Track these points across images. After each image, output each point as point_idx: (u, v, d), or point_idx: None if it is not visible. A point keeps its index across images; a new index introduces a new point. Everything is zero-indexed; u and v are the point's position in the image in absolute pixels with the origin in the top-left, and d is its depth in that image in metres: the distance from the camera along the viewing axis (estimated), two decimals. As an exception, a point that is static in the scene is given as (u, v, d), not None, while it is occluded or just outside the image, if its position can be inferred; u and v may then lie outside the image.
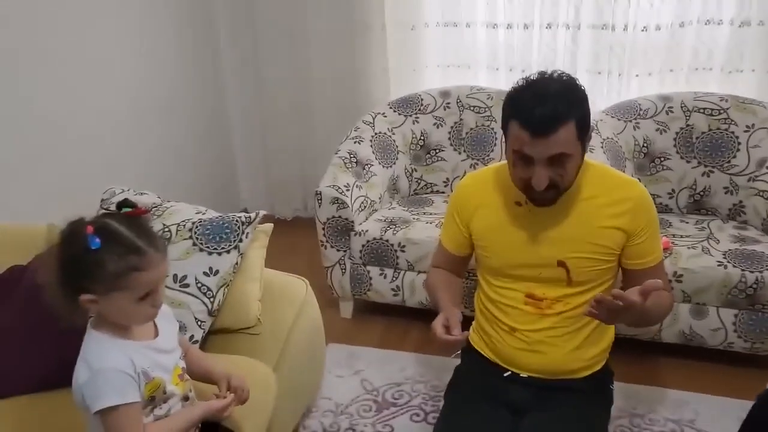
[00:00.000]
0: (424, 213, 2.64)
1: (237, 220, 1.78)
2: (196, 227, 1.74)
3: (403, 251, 2.46)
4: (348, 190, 2.52)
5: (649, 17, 2.66)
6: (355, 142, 2.72)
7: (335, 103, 3.22)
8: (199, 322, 1.65)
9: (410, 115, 2.88)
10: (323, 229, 2.55)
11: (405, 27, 3.01)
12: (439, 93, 2.92)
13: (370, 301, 2.64)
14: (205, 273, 1.69)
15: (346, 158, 2.64)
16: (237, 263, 1.75)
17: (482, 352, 1.79)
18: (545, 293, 1.67)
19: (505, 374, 1.73)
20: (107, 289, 1.10)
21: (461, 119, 2.85)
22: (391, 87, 3.14)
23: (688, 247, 2.26)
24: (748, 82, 2.68)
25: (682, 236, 2.36)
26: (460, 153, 2.86)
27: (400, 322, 2.65)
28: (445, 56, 3.03)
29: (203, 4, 3.26)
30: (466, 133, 2.84)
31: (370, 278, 2.56)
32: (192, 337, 1.63)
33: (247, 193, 3.76)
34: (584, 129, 1.48)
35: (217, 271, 1.70)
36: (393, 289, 2.54)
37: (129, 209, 1.17)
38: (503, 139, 1.57)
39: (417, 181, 2.91)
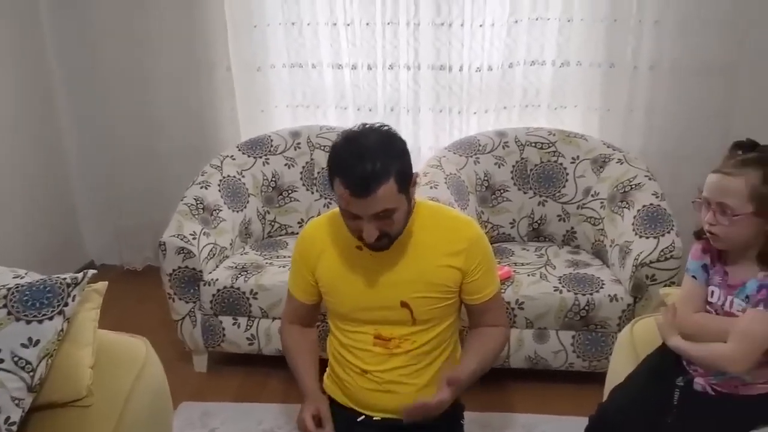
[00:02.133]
0: (278, 256, 2.60)
1: (61, 283, 1.63)
2: (12, 294, 1.57)
3: (255, 298, 2.39)
4: (194, 238, 2.42)
5: (481, 59, 2.83)
6: (201, 188, 2.63)
7: (184, 145, 3.11)
8: (16, 401, 1.49)
9: (260, 157, 2.84)
10: (170, 281, 2.42)
11: (251, 68, 2.98)
12: (289, 133, 2.90)
13: (225, 353, 2.54)
14: (23, 345, 1.52)
15: (192, 205, 2.54)
16: (62, 330, 1.60)
17: (335, 398, 1.78)
18: (392, 333, 1.69)
19: (359, 418, 1.72)
20: None
21: (312, 159, 2.85)
22: (241, 128, 3.08)
23: (528, 275, 2.40)
24: (572, 117, 2.91)
25: (523, 264, 2.50)
26: (313, 193, 2.86)
27: (258, 372, 2.57)
28: (294, 97, 3.03)
29: (36, 46, 3.05)
30: (318, 173, 2.84)
31: (223, 329, 2.46)
32: (8, 419, 1.46)
33: (93, 245, 3.51)
34: (405, 181, 1.52)
35: (37, 341, 1.54)
36: (248, 338, 2.46)
37: None
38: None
39: (270, 224, 2.86)
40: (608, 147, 2.69)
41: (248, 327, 2.45)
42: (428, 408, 1.54)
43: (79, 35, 3.06)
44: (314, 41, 2.91)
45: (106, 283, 1.82)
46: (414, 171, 1.57)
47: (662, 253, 2.18)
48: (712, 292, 1.55)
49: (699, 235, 1.57)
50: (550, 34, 2.79)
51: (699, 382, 1.55)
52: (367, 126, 1.52)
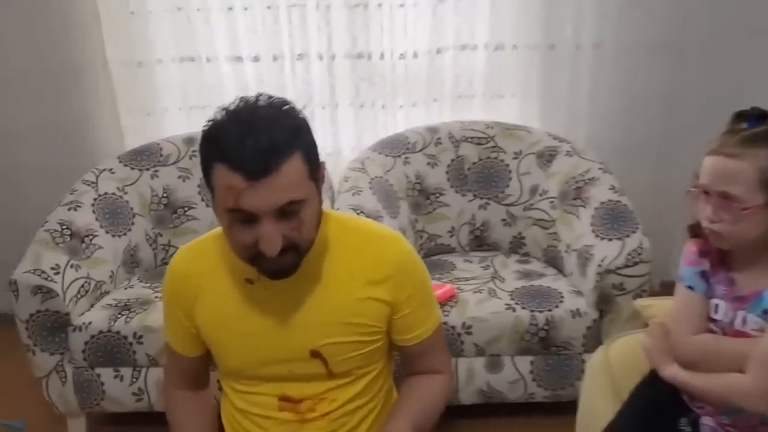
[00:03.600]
0: (171, 288, 2.11)
1: None
2: None
3: (140, 343, 1.91)
4: (57, 273, 1.91)
5: (404, 44, 2.45)
6: (69, 209, 2.12)
7: (49, 165, 2.55)
8: None
9: (147, 169, 2.35)
10: (27, 329, 1.90)
11: (131, 64, 2.48)
12: (183, 140, 2.43)
13: (108, 413, 2.03)
14: None
15: (55, 231, 2.03)
16: None
17: (237, 479, 1.32)
18: (303, 393, 1.25)
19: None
20: None
21: (212, 169, 2.38)
22: (125, 139, 2.58)
23: (474, 291, 2.01)
24: (510, 107, 2.57)
25: (467, 278, 2.12)
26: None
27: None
28: (186, 97, 2.56)
29: None
30: (220, 185, 2.38)
31: (102, 383, 1.96)
32: None
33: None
34: (314, 163, 1.10)
35: None
36: (135, 393, 1.96)
37: None
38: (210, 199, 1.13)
39: (164, 249, 2.37)
40: (554, 138, 2.36)
41: (134, 380, 1.95)
42: None
43: None
44: (207, 29, 2.45)
45: None
46: (321, 161, 1.15)
47: (629, 257, 1.84)
48: (716, 306, 1.20)
49: (695, 231, 1.22)
50: (480, 13, 2.44)
51: (708, 423, 1.20)
52: (251, 100, 1.08)
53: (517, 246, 2.36)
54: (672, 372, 1.22)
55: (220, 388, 1.36)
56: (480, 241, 2.40)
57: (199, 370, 1.38)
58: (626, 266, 1.83)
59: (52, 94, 2.50)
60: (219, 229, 1.28)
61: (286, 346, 1.23)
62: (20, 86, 2.49)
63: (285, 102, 1.10)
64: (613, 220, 1.97)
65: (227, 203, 1.05)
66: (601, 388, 1.53)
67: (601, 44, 2.46)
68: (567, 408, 2.02)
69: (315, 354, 1.23)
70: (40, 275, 1.87)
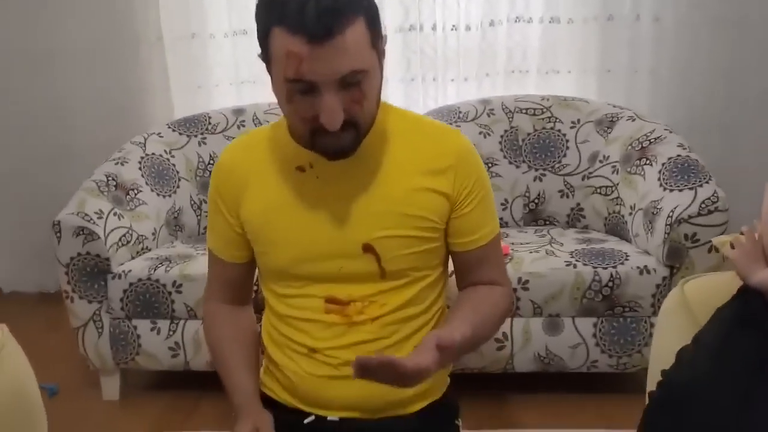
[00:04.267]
0: (214, 248, 2.05)
1: None
2: None
3: (179, 292, 1.83)
4: (100, 218, 1.87)
5: (457, 16, 2.41)
6: (116, 164, 2.10)
7: (103, 133, 2.56)
8: None
9: (195, 136, 2.33)
10: (67, 273, 1.86)
11: (185, 37, 2.50)
12: (232, 111, 2.41)
13: (142, 371, 1.95)
14: None
15: (101, 181, 2.00)
16: None
17: (274, 396, 1.21)
18: (351, 294, 1.15)
19: (307, 420, 1.16)
20: None
21: (259, 140, 2.35)
22: (175, 111, 2.58)
23: (530, 252, 1.88)
24: (566, 83, 2.48)
25: (522, 243, 1.99)
26: (260, 180, 2.34)
27: (185, 395, 1.97)
28: (238, 71, 2.56)
29: None
30: (266, 156, 2.34)
31: (138, 336, 1.88)
32: None
33: (1, 266, 2.90)
34: (377, 31, 1.02)
35: None
36: (171, 348, 1.87)
37: None
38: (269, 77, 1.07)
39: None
40: (614, 107, 2.25)
41: (170, 332, 1.87)
42: (398, 372, 0.95)
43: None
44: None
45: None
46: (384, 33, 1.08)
47: (703, 206, 1.69)
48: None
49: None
50: (536, -16, 2.40)
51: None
52: None
53: (575, 219, 2.22)
54: (763, 277, 1.07)
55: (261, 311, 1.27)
56: (535, 216, 2.27)
57: (242, 280, 1.29)
58: (699, 215, 1.68)
59: (108, 66, 2.54)
60: (272, 123, 1.22)
61: (337, 239, 1.13)
62: (78, 57, 2.54)
63: None
64: (683, 173, 1.83)
65: (287, 73, 0.97)
66: (676, 325, 1.36)
67: (661, 17, 2.37)
68: (627, 384, 1.86)
69: (367, 248, 1.12)
70: (83, 217, 1.84)
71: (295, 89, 1.00)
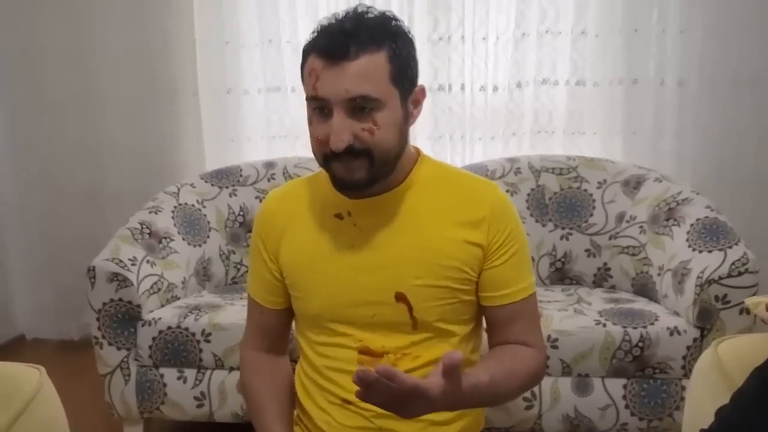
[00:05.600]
0: (241, 298, 2.07)
1: None
2: None
3: (208, 341, 1.84)
4: (134, 264, 1.91)
5: (485, 77, 2.49)
6: (150, 212, 2.15)
7: (134, 182, 2.64)
8: None
9: (226, 187, 2.38)
10: (98, 319, 1.88)
11: (220, 92, 2.60)
12: (263, 164, 2.47)
13: (166, 420, 1.94)
14: None
15: (135, 229, 2.05)
16: None
17: (305, 450, 1.21)
18: (385, 345, 1.17)
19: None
20: None
21: (289, 193, 2.40)
22: (207, 163, 2.65)
23: (559, 310, 1.88)
24: (592, 144, 2.52)
25: (549, 301, 1.99)
26: (288, 232, 2.38)
27: (208, 446, 1.96)
28: (270, 126, 2.64)
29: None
30: (295, 209, 2.38)
31: (164, 385, 1.88)
32: None
33: (24, 312, 2.93)
34: (401, 72, 1.09)
35: None
36: (196, 398, 1.87)
37: None
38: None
39: (236, 267, 2.35)
40: (640, 168, 2.27)
41: (197, 382, 1.87)
42: (398, 390, 0.90)
43: (18, 59, 2.67)
44: (295, 61, 2.54)
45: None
46: (420, 84, 1.14)
47: (733, 267, 1.69)
48: None
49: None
50: (562, 49, 2.47)
51: None
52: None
53: (602, 279, 2.22)
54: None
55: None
56: (562, 274, 2.27)
57: (279, 329, 1.31)
58: (730, 276, 1.68)
59: (144, 116, 2.63)
60: (314, 173, 1.27)
61: (371, 286, 1.16)
62: (116, 106, 2.63)
63: (395, 18, 1.11)
64: (712, 234, 1.84)
65: (307, 91, 1.07)
66: (712, 385, 1.33)
67: (685, 81, 2.42)
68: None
69: (400, 297, 1.15)
70: (117, 263, 1.87)
71: (313, 109, 1.07)
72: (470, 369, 1.09)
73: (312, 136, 1.09)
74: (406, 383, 0.90)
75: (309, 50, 1.07)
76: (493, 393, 1.09)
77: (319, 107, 1.05)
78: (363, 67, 1.02)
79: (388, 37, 1.07)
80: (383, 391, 0.90)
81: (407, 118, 1.13)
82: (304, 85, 1.10)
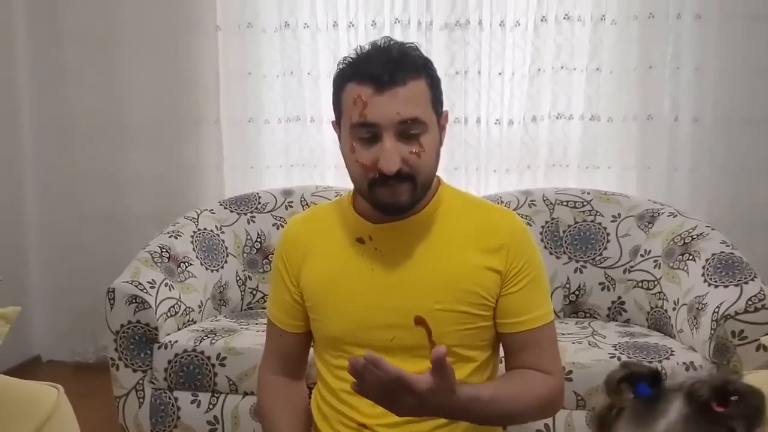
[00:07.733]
0: (257, 323, 2.08)
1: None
2: None
3: (222, 365, 1.86)
4: (152, 287, 1.94)
5: (500, 111, 2.53)
6: (170, 237, 2.19)
7: (154, 209, 2.68)
8: None
9: (244, 214, 2.42)
10: (116, 340, 1.90)
11: (241, 121, 2.66)
12: (281, 192, 2.52)
13: (178, 445, 1.94)
14: None
15: (155, 252, 2.08)
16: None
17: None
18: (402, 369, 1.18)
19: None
20: None
21: (305, 221, 2.43)
22: (226, 189, 2.70)
23: (573, 342, 1.88)
24: (606, 178, 2.54)
25: (563, 333, 1.99)
26: (304, 260, 2.40)
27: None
28: (289, 155, 2.69)
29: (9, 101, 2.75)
30: (311, 236, 2.41)
31: (178, 408, 1.89)
32: None
33: (41, 334, 2.95)
34: (437, 97, 1.15)
35: None
36: (209, 422, 1.88)
37: None
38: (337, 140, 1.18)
39: (251, 293, 2.37)
40: (655, 203, 2.29)
41: (211, 406, 1.88)
42: (382, 377, 0.98)
43: (47, 86, 2.75)
44: (314, 91, 2.62)
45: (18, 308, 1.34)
46: (444, 109, 1.19)
47: (750, 303, 1.69)
48: None
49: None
50: (577, 84, 2.51)
51: None
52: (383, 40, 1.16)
53: (616, 312, 2.21)
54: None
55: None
56: (575, 307, 2.28)
57: (297, 353, 1.33)
58: (746, 311, 1.68)
59: (167, 144, 2.69)
60: (334, 199, 1.31)
61: (391, 309, 1.18)
62: (140, 134, 2.69)
63: (416, 46, 1.16)
64: (728, 269, 1.84)
65: (353, 117, 1.10)
66: (731, 422, 1.35)
67: (700, 118, 2.45)
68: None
69: (419, 321, 1.17)
70: (136, 286, 1.90)
71: (359, 136, 1.10)
72: (474, 383, 1.11)
73: (356, 162, 1.12)
74: (390, 371, 0.95)
75: (348, 79, 1.11)
76: (497, 411, 1.11)
77: (366, 133, 1.09)
78: (411, 92, 1.08)
79: (426, 65, 1.13)
80: (372, 381, 0.96)
81: (441, 143, 1.17)
82: (342, 117, 1.13)
